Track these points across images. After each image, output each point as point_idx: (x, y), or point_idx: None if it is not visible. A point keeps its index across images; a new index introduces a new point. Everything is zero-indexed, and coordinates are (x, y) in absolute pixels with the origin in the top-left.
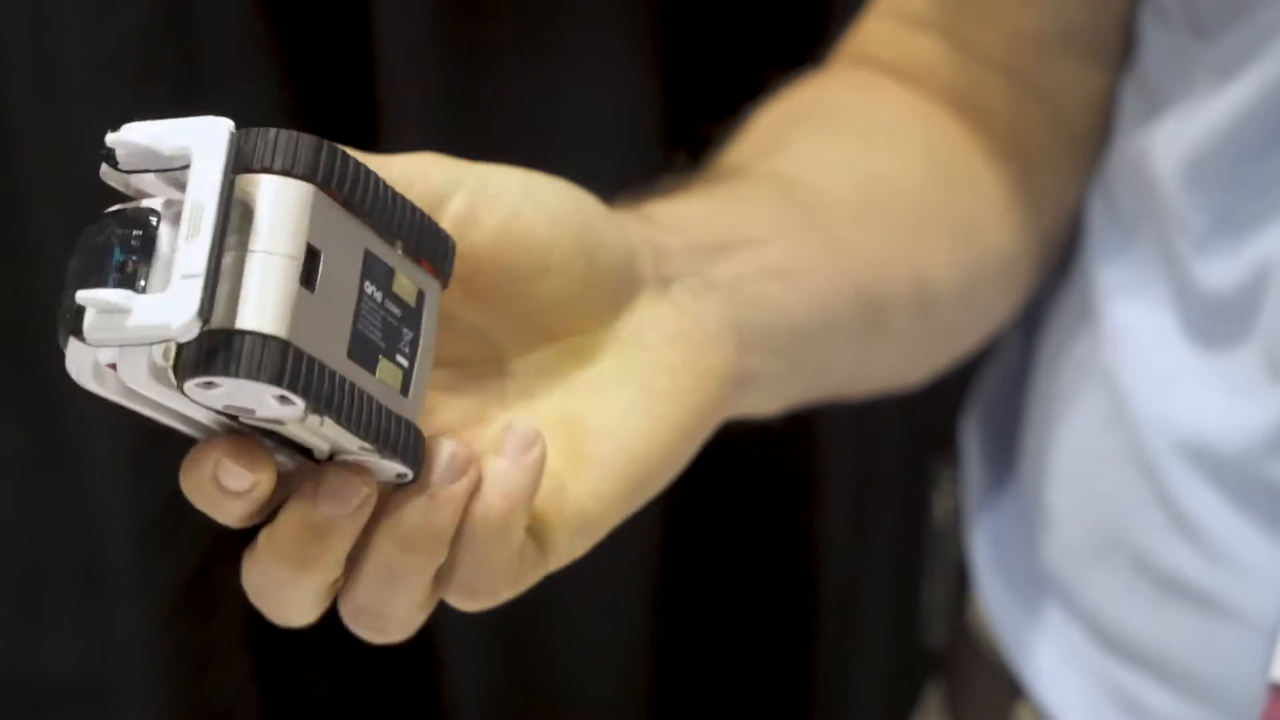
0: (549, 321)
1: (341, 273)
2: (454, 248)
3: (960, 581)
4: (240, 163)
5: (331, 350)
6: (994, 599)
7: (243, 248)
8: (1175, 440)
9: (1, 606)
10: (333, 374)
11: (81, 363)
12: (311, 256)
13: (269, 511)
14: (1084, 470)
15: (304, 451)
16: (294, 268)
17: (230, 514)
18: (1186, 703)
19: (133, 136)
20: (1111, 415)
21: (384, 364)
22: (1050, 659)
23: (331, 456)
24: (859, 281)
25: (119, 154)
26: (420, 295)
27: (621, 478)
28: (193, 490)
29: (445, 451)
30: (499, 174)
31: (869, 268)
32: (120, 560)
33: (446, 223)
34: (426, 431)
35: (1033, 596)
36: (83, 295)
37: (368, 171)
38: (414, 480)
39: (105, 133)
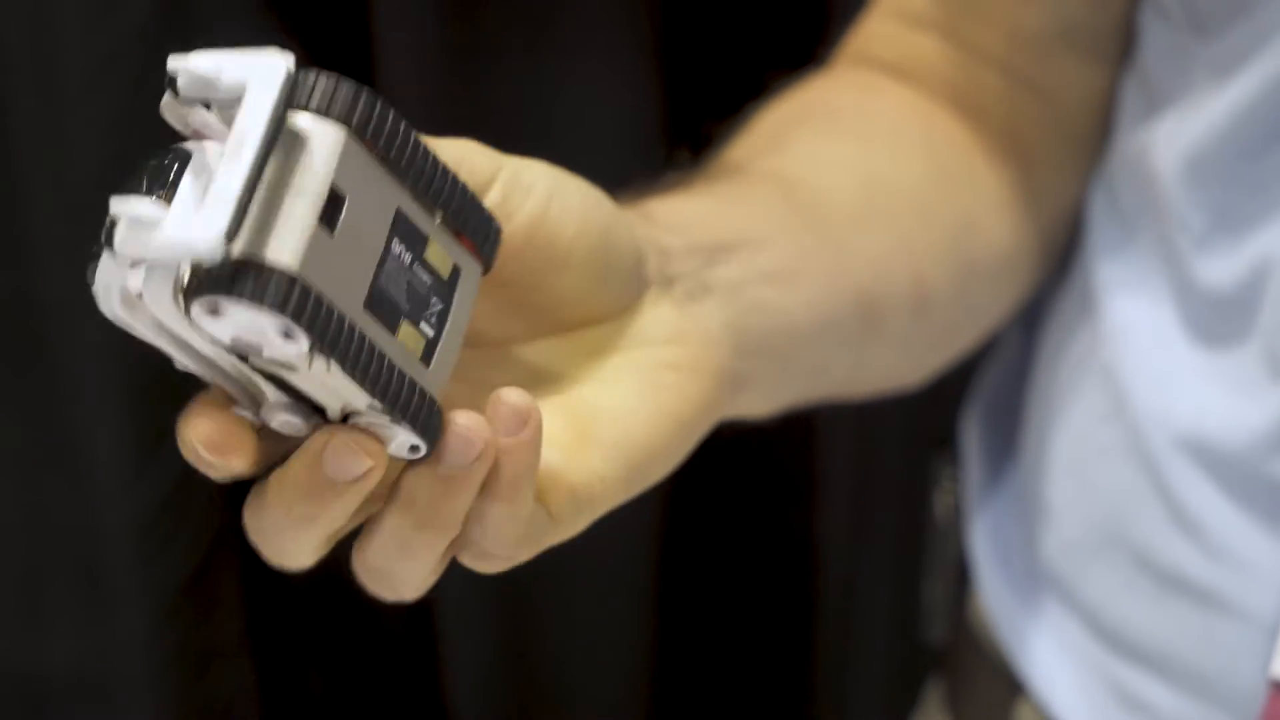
0: (560, 315)
1: (367, 224)
2: (499, 234)
3: (960, 578)
4: (301, 103)
5: (346, 296)
6: (994, 596)
7: (275, 185)
8: (1175, 436)
9: (1, 606)
10: (342, 317)
11: (110, 284)
12: (335, 200)
13: (280, 457)
14: (1084, 466)
15: (319, 412)
16: (314, 206)
17: (214, 476)
18: (1187, 699)
19: (196, 62)
20: (1112, 411)
21: (406, 327)
22: (1050, 655)
23: (346, 420)
24: (857, 282)
25: (180, 83)
26: (456, 270)
27: (622, 461)
28: (183, 451)
29: (461, 429)
30: (531, 168)
31: (868, 268)
32: (120, 560)
33: None
34: None
35: (1033, 593)
36: (116, 204)
37: (411, 133)
38: (428, 456)
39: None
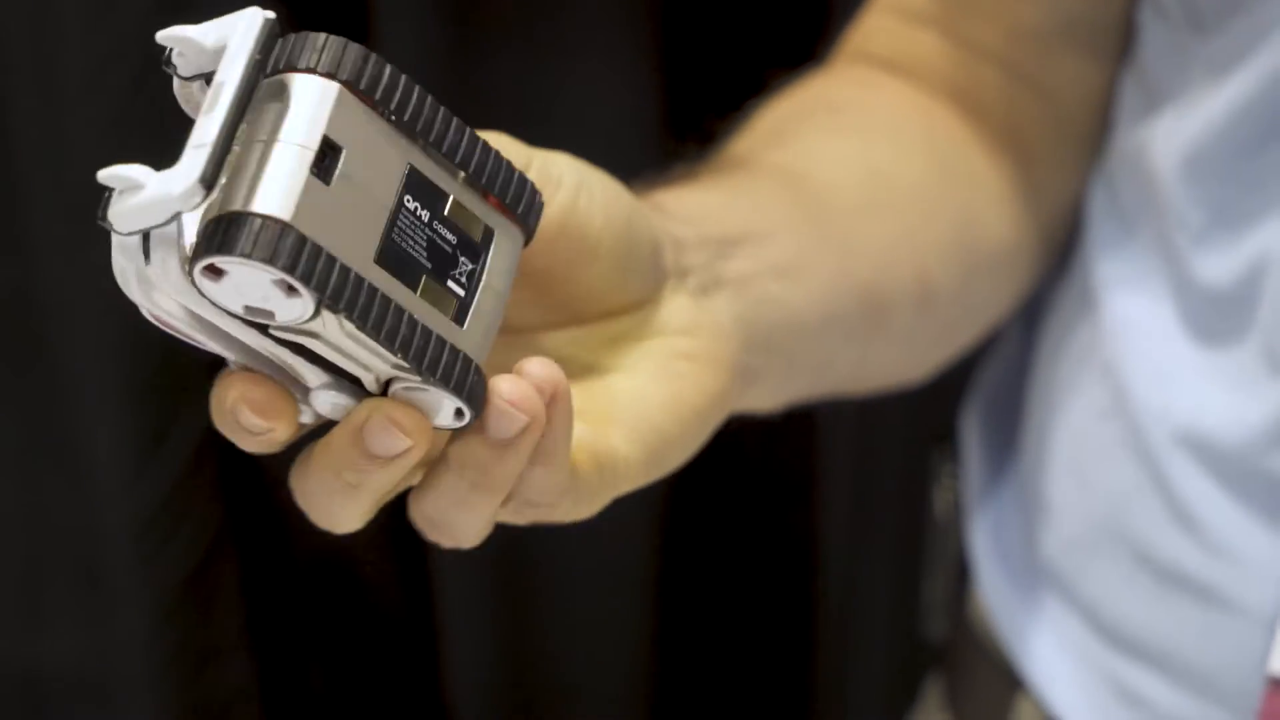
0: (584, 307)
1: (372, 178)
2: (541, 202)
3: (960, 575)
4: (288, 64)
5: (352, 248)
6: (994, 592)
7: (261, 139)
8: (1175, 432)
9: (1, 605)
10: (346, 268)
11: (125, 268)
12: (330, 151)
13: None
14: (1084, 462)
15: (357, 384)
16: (304, 156)
17: (251, 448)
18: (1185, 695)
19: (183, 30)
20: (1112, 407)
21: (430, 284)
22: (1050, 651)
23: (386, 390)
24: (862, 278)
25: (175, 58)
26: (489, 232)
27: (642, 444)
28: (214, 414)
29: (505, 394)
30: (557, 160)
31: (872, 263)
32: (120, 559)
33: None
34: None
35: (1032, 589)
36: (103, 173)
37: (416, 90)
38: (473, 421)
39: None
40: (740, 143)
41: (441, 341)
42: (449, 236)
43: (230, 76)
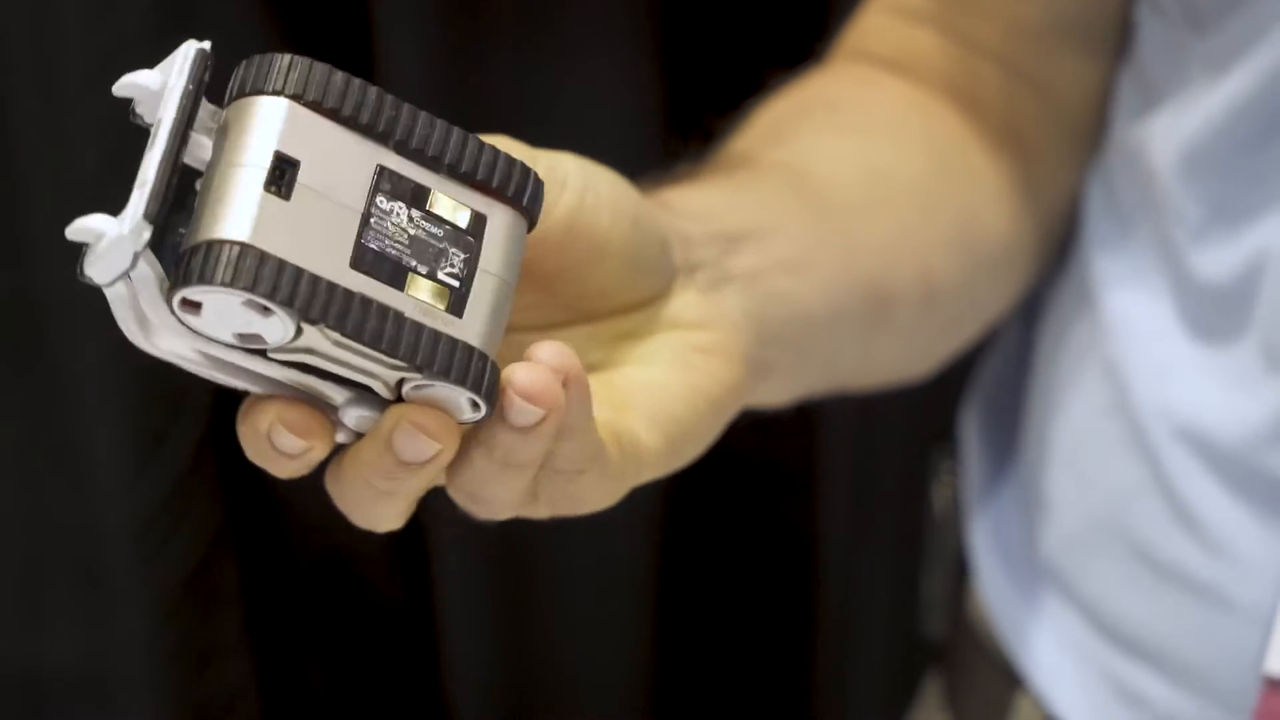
0: (595, 305)
1: (337, 184)
2: (537, 182)
3: (960, 572)
4: (252, 87)
5: (323, 258)
6: (993, 589)
7: (220, 166)
8: (1175, 428)
9: (1, 605)
10: (316, 279)
11: (125, 318)
12: (286, 166)
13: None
14: (1084, 459)
15: (375, 395)
16: (255, 176)
17: (286, 472)
18: (1184, 693)
19: (136, 79)
20: (1111, 404)
21: (419, 281)
22: (1049, 649)
23: (399, 397)
24: (866, 274)
25: (140, 111)
26: (479, 218)
27: (662, 433)
28: (247, 443)
29: (519, 385)
30: (563, 161)
31: (876, 259)
32: (120, 558)
33: None
34: None
35: (1032, 587)
36: (70, 230)
37: (372, 91)
38: (490, 412)
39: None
40: (740, 141)
41: (436, 335)
42: (434, 230)
43: (165, 113)
